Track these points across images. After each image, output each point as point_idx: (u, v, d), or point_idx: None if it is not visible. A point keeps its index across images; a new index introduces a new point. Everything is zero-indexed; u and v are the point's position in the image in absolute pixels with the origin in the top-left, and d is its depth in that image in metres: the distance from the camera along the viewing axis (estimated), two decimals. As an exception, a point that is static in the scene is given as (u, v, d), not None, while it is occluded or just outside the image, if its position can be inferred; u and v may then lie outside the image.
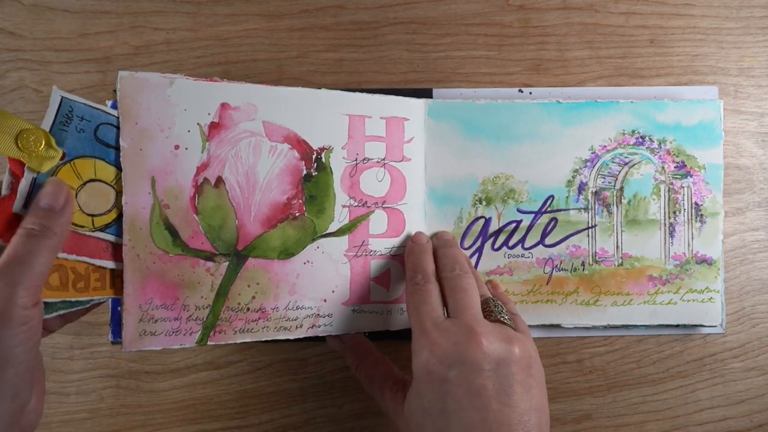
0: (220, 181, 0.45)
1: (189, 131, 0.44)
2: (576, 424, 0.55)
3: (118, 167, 0.42)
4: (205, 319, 0.44)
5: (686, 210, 0.52)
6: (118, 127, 0.42)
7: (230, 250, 0.45)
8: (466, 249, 0.51)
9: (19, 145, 0.39)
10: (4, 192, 0.39)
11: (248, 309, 0.46)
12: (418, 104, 0.51)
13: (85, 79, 0.54)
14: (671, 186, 0.52)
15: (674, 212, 0.52)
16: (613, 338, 0.55)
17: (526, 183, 0.51)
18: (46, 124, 0.40)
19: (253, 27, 0.55)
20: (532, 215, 0.52)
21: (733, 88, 0.55)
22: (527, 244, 0.52)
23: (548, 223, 0.52)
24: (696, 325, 0.53)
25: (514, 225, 0.52)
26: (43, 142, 0.39)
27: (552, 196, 0.52)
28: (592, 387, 0.55)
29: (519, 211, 0.52)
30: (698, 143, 0.52)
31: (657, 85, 0.55)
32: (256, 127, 0.46)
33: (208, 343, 0.44)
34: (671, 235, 0.52)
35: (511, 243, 0.52)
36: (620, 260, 0.52)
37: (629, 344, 0.55)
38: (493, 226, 0.52)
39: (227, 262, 0.45)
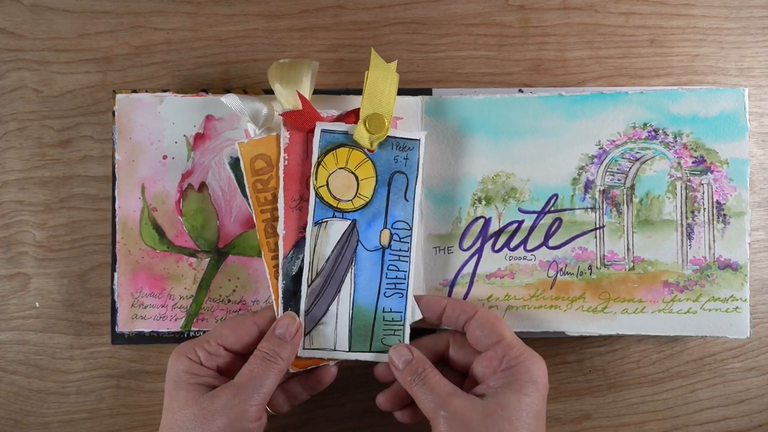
0: (203, 186, 0.48)
1: (176, 143, 0.47)
2: (576, 424, 0.52)
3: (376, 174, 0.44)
4: (188, 308, 0.48)
5: (706, 209, 0.47)
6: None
7: (212, 248, 0.48)
8: (464, 251, 0.47)
9: (367, 126, 0.43)
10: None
11: (229, 300, 0.48)
12: (414, 102, 0.48)
13: (85, 79, 0.52)
14: (689, 183, 0.47)
15: (692, 212, 0.46)
16: (613, 338, 0.52)
17: (527, 181, 0.46)
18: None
19: (253, 27, 0.52)
20: (535, 215, 0.47)
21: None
22: (530, 245, 0.47)
23: (552, 224, 0.46)
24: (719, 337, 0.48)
25: (515, 225, 0.47)
26: (386, 123, 0.43)
27: (556, 195, 0.46)
28: (592, 387, 0.52)
29: (521, 210, 0.46)
30: (719, 136, 0.47)
31: (657, 85, 0.53)
32: (239, 135, 0.47)
33: (192, 329, 0.47)
34: (689, 237, 0.47)
35: (512, 244, 0.47)
36: (631, 264, 0.47)
37: (629, 344, 0.52)
38: (494, 227, 0.47)
39: (209, 259, 0.48)
